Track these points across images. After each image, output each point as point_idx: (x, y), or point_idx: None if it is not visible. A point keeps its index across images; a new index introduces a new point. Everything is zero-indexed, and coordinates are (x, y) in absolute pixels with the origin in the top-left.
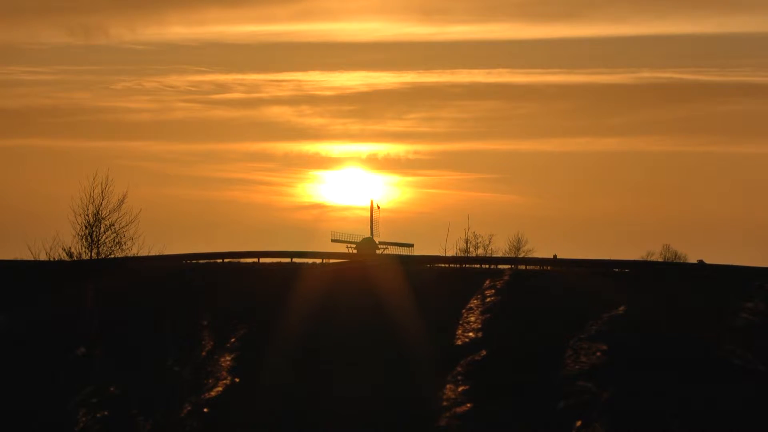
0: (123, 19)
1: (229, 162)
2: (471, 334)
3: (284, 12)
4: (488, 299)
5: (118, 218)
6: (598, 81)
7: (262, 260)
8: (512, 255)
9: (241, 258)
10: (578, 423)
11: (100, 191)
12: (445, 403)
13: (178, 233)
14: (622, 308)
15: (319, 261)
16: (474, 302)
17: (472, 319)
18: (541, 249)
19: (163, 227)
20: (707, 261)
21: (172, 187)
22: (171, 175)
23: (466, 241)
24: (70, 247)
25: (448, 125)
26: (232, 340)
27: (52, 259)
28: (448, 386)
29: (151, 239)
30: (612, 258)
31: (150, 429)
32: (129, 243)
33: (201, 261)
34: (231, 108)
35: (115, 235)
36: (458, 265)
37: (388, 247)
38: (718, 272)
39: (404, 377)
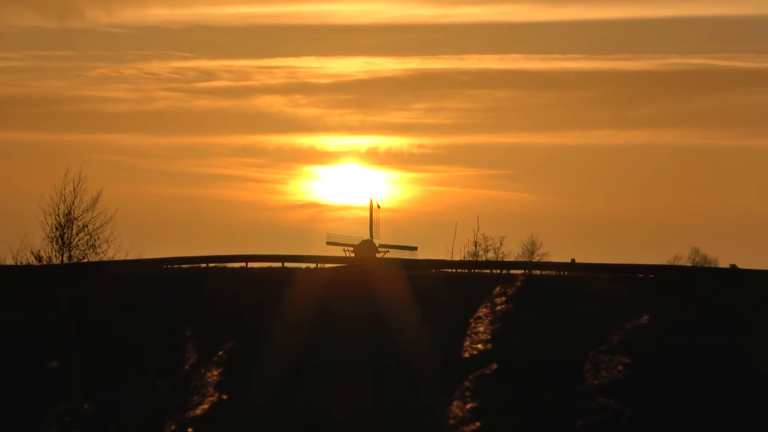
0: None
1: (215, 157)
2: (480, 345)
3: None
4: (499, 307)
5: (92, 219)
6: (622, 68)
7: (250, 265)
8: (525, 259)
9: (227, 262)
10: None
11: (73, 189)
12: (452, 422)
13: (159, 235)
14: (646, 317)
15: (313, 266)
16: (483, 311)
17: (481, 329)
18: (557, 252)
19: (141, 229)
20: (740, 266)
21: (151, 185)
22: (151, 171)
23: (475, 243)
24: (39, 251)
25: (455, 116)
26: (219, 352)
27: (19, 264)
28: (455, 403)
29: (129, 242)
30: (635, 262)
31: None
32: (104, 246)
33: (184, 266)
34: (217, 97)
35: (88, 237)
36: (466, 271)
37: (389, 250)
38: (752, 278)
39: (407, 393)
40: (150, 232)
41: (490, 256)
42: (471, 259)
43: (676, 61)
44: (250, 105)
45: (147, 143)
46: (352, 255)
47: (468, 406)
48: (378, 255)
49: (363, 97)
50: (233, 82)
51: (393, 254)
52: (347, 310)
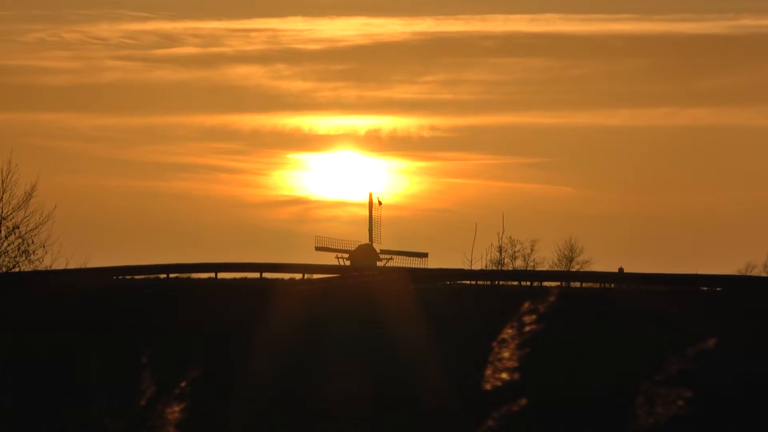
0: None
1: (178, 142)
2: (505, 375)
3: None
4: (528, 328)
5: (24, 219)
6: (683, 31)
7: (221, 276)
8: (562, 268)
9: (193, 273)
10: None
11: (0, 181)
12: None
13: (108, 239)
14: (712, 341)
15: (299, 277)
16: (509, 332)
17: (507, 354)
18: (601, 260)
19: (86, 231)
20: None
21: (99, 176)
22: (98, 160)
23: (500, 249)
24: None
25: (476, 91)
26: (182, 383)
27: None
28: None
29: (71, 247)
30: (699, 272)
31: None
32: (39, 252)
33: (139, 277)
34: (181, 68)
35: (21, 241)
36: (488, 283)
37: (393, 257)
38: None
39: None
40: (97, 236)
41: (518, 264)
42: (494, 268)
43: (748, 23)
44: (221, 77)
45: (93, 124)
46: (348, 263)
47: None
48: (379, 263)
49: (362, 68)
50: (200, 49)
51: (398, 262)
52: (341, 332)
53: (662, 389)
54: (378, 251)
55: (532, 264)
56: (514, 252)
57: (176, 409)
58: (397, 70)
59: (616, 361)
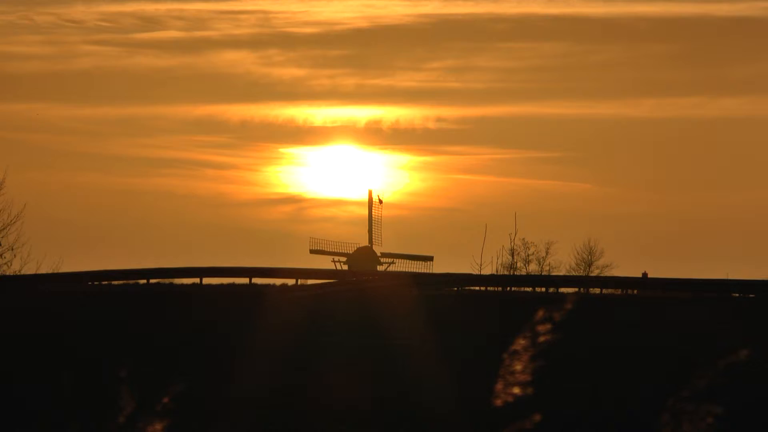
0: None
1: (160, 134)
2: (517, 389)
3: None
4: (543, 338)
5: None
6: (714, 13)
7: (206, 281)
8: (580, 273)
9: (176, 278)
10: None
11: None
12: None
13: (82, 242)
14: (744, 352)
15: (292, 282)
16: (522, 343)
17: (519, 367)
18: (623, 264)
19: (59, 232)
20: None
21: (73, 172)
22: (72, 154)
23: (512, 251)
24: None
25: (487, 79)
26: (164, 399)
27: None
28: None
29: (42, 250)
30: (730, 277)
31: None
32: (8, 255)
33: (116, 282)
34: (163, 53)
35: None
36: (499, 289)
37: (395, 261)
38: None
39: None
40: (71, 238)
41: (533, 269)
42: (506, 273)
43: None
44: (207, 63)
45: (66, 115)
46: (345, 268)
47: None
48: (380, 268)
49: (361, 53)
50: (184, 33)
51: (400, 266)
52: (338, 343)
53: (690, 405)
54: (378, 254)
55: (548, 268)
56: (528, 255)
57: (157, 427)
58: (400, 56)
59: (639, 375)
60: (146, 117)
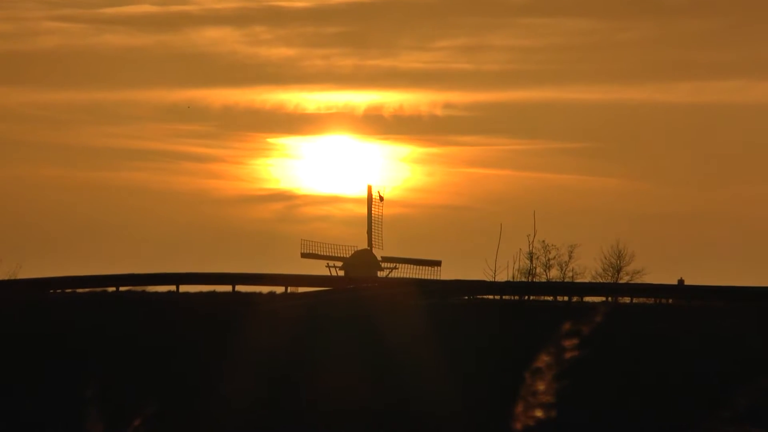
0: None
1: (133, 122)
2: (540, 412)
3: None
4: (568, 354)
5: None
6: None
7: (183, 289)
8: (609, 280)
9: (149, 285)
10: None
11: None
12: None
13: (43, 244)
14: None
15: (281, 290)
16: (544, 359)
17: (542, 387)
18: (656, 270)
19: (18, 233)
20: None
21: (33, 165)
22: (33, 145)
23: (531, 256)
24: None
25: (502, 59)
26: (136, 421)
27: None
28: None
29: None
30: None
31: None
32: None
33: (82, 290)
34: (135, 30)
35: None
36: (517, 298)
37: (398, 266)
38: None
39: None
40: (30, 240)
41: (554, 275)
42: (524, 279)
43: None
44: (185, 42)
45: (26, 101)
46: (342, 273)
47: None
48: (380, 273)
49: (360, 30)
50: (159, 7)
51: (404, 272)
52: (334, 358)
53: (729, 428)
54: (379, 259)
55: (571, 274)
56: (549, 260)
57: None
58: (404, 34)
59: (673, 393)
60: (116, 103)
